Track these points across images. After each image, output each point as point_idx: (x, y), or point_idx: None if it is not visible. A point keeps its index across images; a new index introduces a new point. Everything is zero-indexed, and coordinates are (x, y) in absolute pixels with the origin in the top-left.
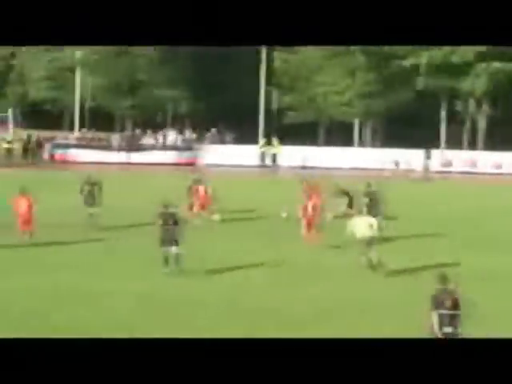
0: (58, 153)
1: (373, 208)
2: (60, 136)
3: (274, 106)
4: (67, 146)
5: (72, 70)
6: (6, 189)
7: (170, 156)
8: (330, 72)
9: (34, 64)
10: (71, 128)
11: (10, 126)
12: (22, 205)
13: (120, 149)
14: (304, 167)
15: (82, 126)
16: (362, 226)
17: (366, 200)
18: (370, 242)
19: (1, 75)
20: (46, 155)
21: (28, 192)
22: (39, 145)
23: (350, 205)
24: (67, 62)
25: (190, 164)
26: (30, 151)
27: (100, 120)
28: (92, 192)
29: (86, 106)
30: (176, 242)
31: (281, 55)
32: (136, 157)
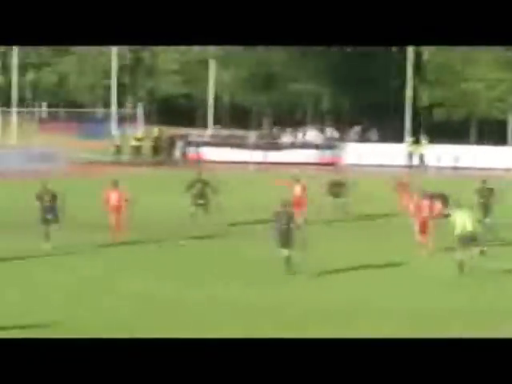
0: (191, 151)
1: (485, 206)
2: (193, 133)
3: (422, 102)
4: (201, 144)
5: (205, 64)
6: (135, 189)
7: (310, 155)
8: (482, 65)
9: (164, 57)
10: (204, 125)
11: (141, 122)
12: (113, 199)
13: (256, 147)
14: (455, 167)
15: (216, 122)
16: (463, 221)
17: (480, 199)
18: (468, 238)
19: (130, 68)
20: (177, 154)
21: (120, 187)
22: (171, 143)
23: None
24: (200, 55)
25: (332, 164)
26: (161, 149)
27: (235, 117)
28: (202, 191)
29: (221, 101)
30: (290, 244)
31: (429, 49)
32: (273, 156)
